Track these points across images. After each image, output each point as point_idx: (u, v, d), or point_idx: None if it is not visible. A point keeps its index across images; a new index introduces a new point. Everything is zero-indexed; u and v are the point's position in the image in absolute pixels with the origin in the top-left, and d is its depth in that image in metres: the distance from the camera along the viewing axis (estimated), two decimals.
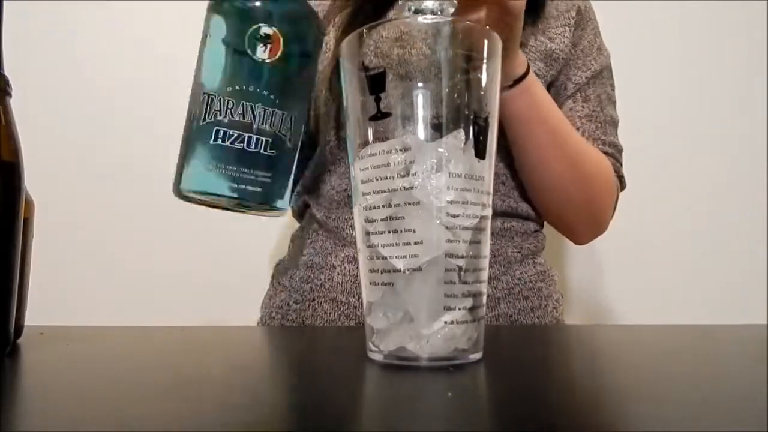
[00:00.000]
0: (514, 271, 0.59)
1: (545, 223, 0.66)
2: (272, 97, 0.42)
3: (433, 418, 0.20)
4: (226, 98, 0.41)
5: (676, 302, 0.92)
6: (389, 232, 0.29)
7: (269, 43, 0.42)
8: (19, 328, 0.38)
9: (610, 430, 0.18)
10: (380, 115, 0.29)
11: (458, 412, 0.21)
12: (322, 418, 0.20)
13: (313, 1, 0.64)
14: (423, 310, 0.28)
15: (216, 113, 0.41)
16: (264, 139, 0.42)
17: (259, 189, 0.43)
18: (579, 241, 0.66)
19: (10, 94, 0.34)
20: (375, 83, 0.29)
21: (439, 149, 0.29)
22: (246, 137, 0.41)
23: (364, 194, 0.30)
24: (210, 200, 0.43)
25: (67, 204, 0.92)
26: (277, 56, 0.42)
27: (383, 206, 0.29)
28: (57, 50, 0.96)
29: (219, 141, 0.41)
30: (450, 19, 0.30)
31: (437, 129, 0.29)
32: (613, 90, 0.65)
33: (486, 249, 0.30)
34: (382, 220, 0.29)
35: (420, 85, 0.29)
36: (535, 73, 0.59)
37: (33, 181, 0.38)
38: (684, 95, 0.98)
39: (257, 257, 0.93)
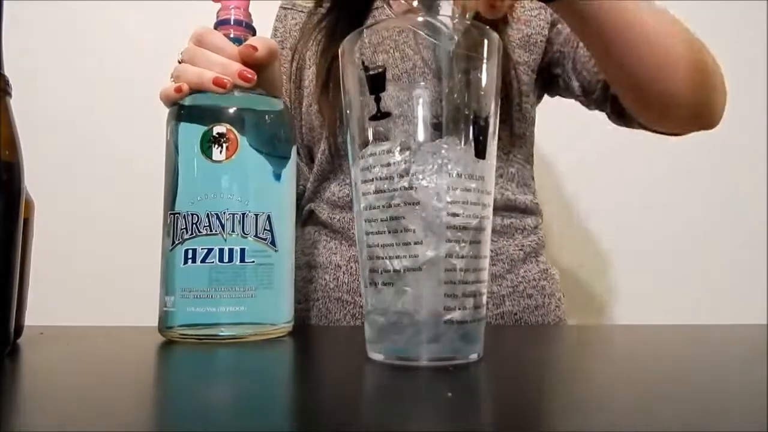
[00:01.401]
0: (519, 269, 0.59)
1: (541, 220, 0.66)
2: (239, 199, 0.39)
3: (433, 418, 0.20)
4: (191, 214, 0.38)
5: (676, 302, 0.92)
6: (389, 232, 0.29)
7: (225, 143, 0.39)
8: (19, 328, 0.38)
9: (610, 430, 0.18)
10: (380, 115, 0.29)
11: (458, 412, 0.21)
12: (322, 418, 0.20)
13: (291, 13, 0.64)
14: (423, 311, 0.28)
15: (182, 233, 0.38)
16: (239, 247, 0.38)
17: (242, 308, 0.38)
18: (683, 125, 0.55)
19: (10, 94, 0.34)
20: (375, 83, 0.29)
21: (440, 149, 0.29)
22: (217, 249, 0.38)
23: (364, 194, 0.30)
24: (197, 335, 0.39)
25: (67, 204, 0.92)
26: (235, 153, 0.39)
27: (383, 206, 0.29)
28: (57, 50, 0.96)
29: (189, 263, 0.38)
30: (450, 19, 0.30)
31: (437, 129, 0.29)
32: None
33: (486, 249, 0.30)
34: (382, 220, 0.29)
35: (420, 84, 0.29)
36: (517, 61, 0.59)
37: (33, 181, 0.38)
38: None
39: None
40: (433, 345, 0.28)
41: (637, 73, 0.47)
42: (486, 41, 0.30)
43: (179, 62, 0.43)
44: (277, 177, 0.42)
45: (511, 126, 0.60)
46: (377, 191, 0.29)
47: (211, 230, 0.38)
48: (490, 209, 0.31)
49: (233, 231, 0.38)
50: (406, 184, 0.29)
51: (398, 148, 0.29)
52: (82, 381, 0.28)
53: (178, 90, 0.41)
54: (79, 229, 0.94)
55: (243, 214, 0.39)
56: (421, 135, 0.29)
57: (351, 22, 0.60)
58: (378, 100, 0.29)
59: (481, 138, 0.30)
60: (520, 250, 0.60)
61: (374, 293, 0.30)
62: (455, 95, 0.29)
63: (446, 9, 0.34)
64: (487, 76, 0.30)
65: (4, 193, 0.32)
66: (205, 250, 0.38)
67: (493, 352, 0.31)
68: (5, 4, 0.34)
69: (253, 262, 0.39)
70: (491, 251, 0.33)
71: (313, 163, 0.64)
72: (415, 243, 0.28)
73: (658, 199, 0.97)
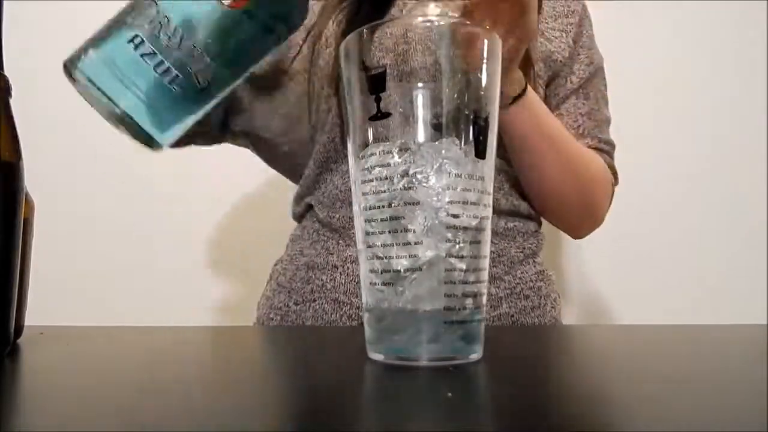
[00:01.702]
0: (516, 270, 0.59)
1: (543, 222, 0.66)
2: (209, 41, 0.40)
3: (433, 418, 0.20)
4: (165, 14, 0.39)
5: (675, 302, 0.92)
6: (389, 232, 0.29)
7: None
8: (19, 328, 0.38)
9: (610, 429, 0.18)
10: (380, 115, 0.29)
11: (458, 412, 0.21)
12: (322, 418, 0.20)
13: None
14: (423, 311, 0.28)
15: (147, 20, 0.39)
16: (175, 73, 0.39)
17: (142, 105, 0.39)
18: (576, 235, 0.69)
19: (10, 94, 0.34)
20: (375, 83, 0.29)
21: (440, 149, 0.29)
22: (159, 60, 0.39)
23: (364, 194, 0.30)
24: (92, 94, 0.40)
25: (67, 204, 0.92)
26: (240, 8, 0.39)
27: (383, 206, 0.29)
28: (56, 50, 0.96)
29: (131, 47, 0.39)
30: (451, 19, 0.30)
31: (437, 129, 0.29)
32: (606, 89, 0.66)
33: (486, 249, 0.30)
34: (382, 220, 0.29)
35: (420, 85, 0.29)
36: (537, 74, 0.60)
37: (33, 181, 0.38)
38: (684, 95, 0.98)
39: (254, 257, 0.93)
40: (433, 345, 0.28)
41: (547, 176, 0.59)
42: (486, 41, 0.30)
43: None
44: (252, 50, 0.43)
45: None
46: (377, 191, 0.29)
47: (169, 41, 0.39)
48: (490, 209, 0.31)
49: (185, 60, 0.39)
50: (406, 184, 0.29)
51: (398, 148, 0.29)
52: (82, 381, 0.28)
53: None
54: (79, 229, 0.94)
55: (201, 52, 0.40)
56: (421, 135, 0.29)
57: (375, 6, 0.59)
58: (378, 100, 0.29)
59: (481, 138, 0.30)
60: (521, 252, 0.60)
61: (374, 293, 0.30)
62: (455, 95, 0.29)
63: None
64: (487, 76, 0.30)
65: (4, 193, 0.32)
66: (150, 51, 0.39)
67: (493, 353, 0.31)
68: (5, 4, 0.34)
69: (178, 90, 0.40)
70: (492, 253, 0.33)
71: (314, 144, 0.62)
72: (415, 243, 0.28)
73: (657, 199, 0.97)
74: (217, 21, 0.39)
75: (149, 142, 0.42)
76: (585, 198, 0.62)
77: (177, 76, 0.39)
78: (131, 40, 0.39)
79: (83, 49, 0.41)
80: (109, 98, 0.39)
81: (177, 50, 0.39)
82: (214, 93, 0.43)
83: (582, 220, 0.65)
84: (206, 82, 0.41)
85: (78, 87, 0.41)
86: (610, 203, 0.65)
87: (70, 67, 0.41)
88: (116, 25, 0.40)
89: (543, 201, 0.62)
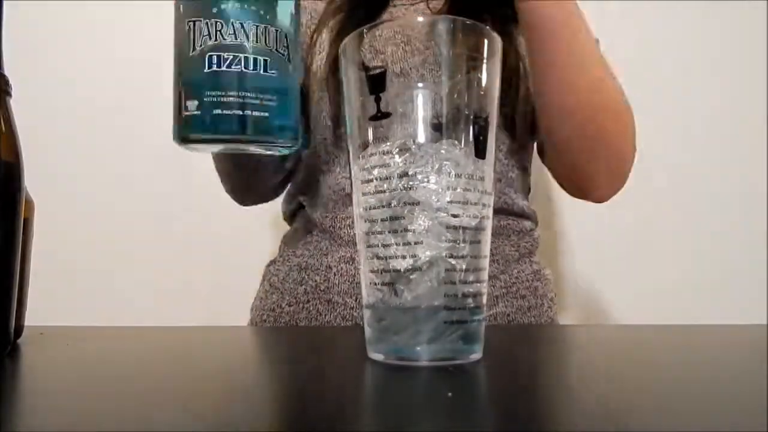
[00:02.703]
0: (512, 269, 0.59)
1: (539, 221, 0.66)
2: (262, 12, 0.39)
3: (433, 418, 0.20)
4: (213, 20, 0.38)
5: (675, 302, 0.92)
6: (389, 232, 0.29)
7: None
8: (19, 328, 0.38)
9: (610, 429, 0.18)
10: (380, 115, 0.29)
11: (458, 412, 0.21)
12: (322, 418, 0.20)
13: (306, 1, 0.64)
14: (423, 311, 0.28)
15: (205, 39, 0.38)
16: (262, 58, 0.39)
17: (265, 114, 0.39)
18: (596, 190, 0.61)
19: (10, 94, 0.34)
20: (375, 83, 0.29)
21: (440, 149, 0.29)
22: (242, 58, 0.38)
23: (364, 194, 0.30)
24: (222, 142, 0.40)
25: (67, 204, 0.92)
26: None
27: (383, 206, 0.29)
28: (57, 50, 0.96)
29: (214, 68, 0.38)
30: (450, 18, 0.30)
31: (437, 129, 0.29)
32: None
33: (486, 249, 0.30)
34: (382, 220, 0.29)
35: (420, 85, 0.29)
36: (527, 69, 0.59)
37: (33, 181, 0.38)
38: (684, 95, 0.98)
39: (247, 258, 0.93)
40: (433, 345, 0.28)
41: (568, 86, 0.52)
42: (486, 41, 0.30)
43: None
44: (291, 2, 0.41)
45: (513, 131, 0.60)
46: (377, 191, 0.29)
47: (236, 38, 0.38)
48: (490, 209, 0.31)
49: (258, 41, 0.39)
50: (406, 185, 0.29)
51: (398, 149, 0.29)
52: (82, 381, 0.28)
53: None
54: (79, 229, 0.94)
55: (265, 27, 0.39)
56: (421, 135, 0.29)
57: (368, 14, 0.60)
58: (378, 100, 0.29)
59: (481, 138, 0.30)
60: (516, 250, 0.60)
61: (374, 293, 0.30)
62: (455, 95, 0.29)
63: None
64: (487, 75, 0.30)
65: (4, 193, 0.32)
66: (230, 56, 0.38)
67: (493, 352, 0.31)
68: (5, 4, 0.34)
69: (275, 73, 0.39)
70: None
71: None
72: (415, 243, 0.28)
73: (657, 198, 0.97)
74: None
75: (285, 142, 0.41)
76: (609, 129, 0.55)
77: (266, 60, 0.39)
78: (209, 63, 0.38)
79: (176, 115, 0.40)
80: (230, 132, 0.38)
81: (249, 40, 0.38)
82: (298, 59, 0.42)
83: (605, 162, 0.57)
84: (285, 49, 0.40)
85: (199, 144, 0.40)
86: (632, 162, 0.58)
87: (180, 141, 0.40)
88: (183, 68, 0.40)
89: (562, 127, 0.55)
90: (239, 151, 0.42)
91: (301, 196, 0.63)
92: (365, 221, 0.30)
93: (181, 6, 0.40)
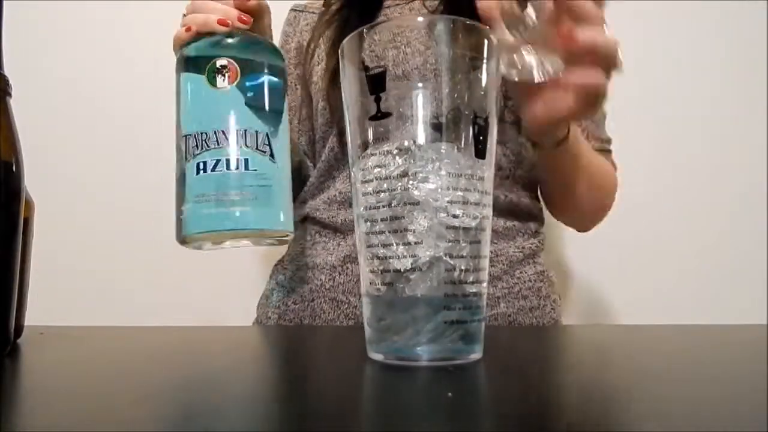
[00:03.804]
0: (515, 270, 0.59)
1: (545, 222, 0.66)
2: (240, 118, 0.43)
3: (433, 418, 0.20)
4: (200, 133, 0.43)
5: (675, 302, 0.92)
6: (389, 232, 0.29)
7: (227, 72, 0.43)
8: (19, 328, 0.38)
9: (610, 429, 0.18)
10: (380, 115, 0.29)
11: (458, 412, 0.21)
12: (322, 418, 0.20)
13: (302, 16, 0.65)
14: (423, 310, 0.28)
15: (193, 149, 0.43)
16: (243, 157, 0.43)
17: (248, 208, 0.42)
18: (585, 231, 0.71)
19: (10, 94, 0.34)
20: (375, 83, 0.29)
21: (440, 149, 0.29)
22: (224, 160, 0.42)
23: (364, 194, 0.30)
24: (212, 237, 0.43)
25: (67, 204, 0.92)
26: (236, 82, 0.43)
27: (383, 206, 0.29)
28: (57, 50, 0.96)
29: (201, 173, 0.43)
30: (449, 18, 0.30)
31: (437, 129, 0.29)
32: None
33: (486, 249, 0.30)
34: (382, 220, 0.29)
35: (419, 85, 0.29)
36: None
37: (33, 181, 0.38)
38: (684, 95, 0.98)
39: (254, 257, 0.93)
40: (433, 345, 0.28)
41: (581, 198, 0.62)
42: (486, 41, 0.30)
43: (184, 15, 0.48)
44: (272, 99, 0.45)
45: (521, 125, 0.60)
46: (377, 191, 0.29)
47: (218, 144, 0.43)
48: (490, 209, 0.31)
49: (238, 144, 0.43)
50: (406, 185, 0.29)
51: (398, 149, 0.29)
52: (82, 381, 0.28)
53: (188, 30, 0.45)
54: (79, 229, 0.94)
55: (244, 130, 0.43)
56: (421, 135, 0.29)
57: (362, 19, 0.60)
58: (378, 100, 0.29)
59: (481, 138, 0.30)
60: (520, 252, 0.60)
61: (374, 293, 0.30)
62: (455, 95, 0.29)
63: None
64: (487, 75, 0.30)
65: (4, 193, 0.32)
66: (213, 161, 0.42)
67: (493, 353, 0.31)
68: (5, 4, 0.34)
69: (256, 170, 0.43)
70: (491, 252, 0.33)
71: (316, 160, 0.64)
72: (415, 243, 0.28)
73: (658, 199, 0.97)
74: (233, 102, 0.43)
75: (273, 233, 0.45)
76: (600, 203, 0.66)
77: (246, 159, 0.43)
78: (197, 170, 0.43)
79: (177, 222, 0.45)
80: (220, 229, 0.42)
81: (229, 143, 0.43)
82: (283, 153, 0.45)
83: (593, 220, 0.69)
84: (267, 146, 0.44)
85: (199, 244, 0.44)
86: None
87: (181, 242, 0.45)
88: (179, 177, 0.45)
89: (561, 208, 0.66)
90: (235, 246, 0.45)
91: (311, 200, 0.64)
92: (365, 221, 0.30)
93: (179, 127, 0.45)
